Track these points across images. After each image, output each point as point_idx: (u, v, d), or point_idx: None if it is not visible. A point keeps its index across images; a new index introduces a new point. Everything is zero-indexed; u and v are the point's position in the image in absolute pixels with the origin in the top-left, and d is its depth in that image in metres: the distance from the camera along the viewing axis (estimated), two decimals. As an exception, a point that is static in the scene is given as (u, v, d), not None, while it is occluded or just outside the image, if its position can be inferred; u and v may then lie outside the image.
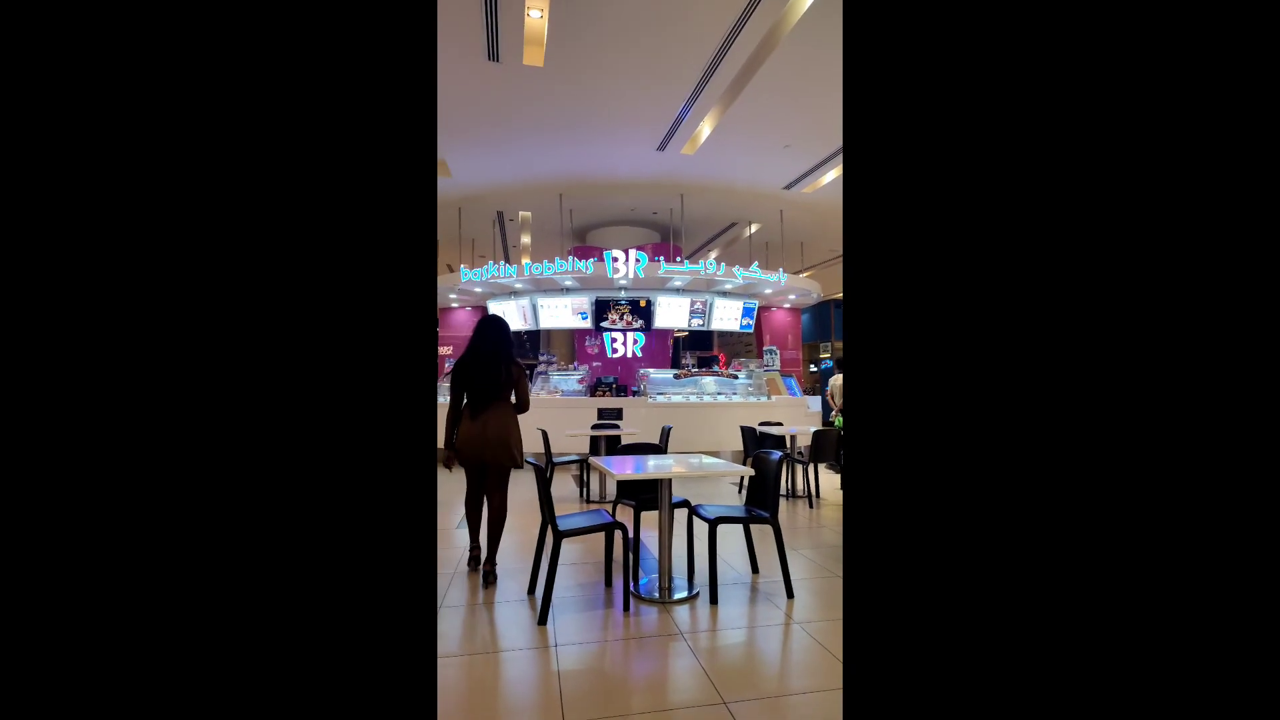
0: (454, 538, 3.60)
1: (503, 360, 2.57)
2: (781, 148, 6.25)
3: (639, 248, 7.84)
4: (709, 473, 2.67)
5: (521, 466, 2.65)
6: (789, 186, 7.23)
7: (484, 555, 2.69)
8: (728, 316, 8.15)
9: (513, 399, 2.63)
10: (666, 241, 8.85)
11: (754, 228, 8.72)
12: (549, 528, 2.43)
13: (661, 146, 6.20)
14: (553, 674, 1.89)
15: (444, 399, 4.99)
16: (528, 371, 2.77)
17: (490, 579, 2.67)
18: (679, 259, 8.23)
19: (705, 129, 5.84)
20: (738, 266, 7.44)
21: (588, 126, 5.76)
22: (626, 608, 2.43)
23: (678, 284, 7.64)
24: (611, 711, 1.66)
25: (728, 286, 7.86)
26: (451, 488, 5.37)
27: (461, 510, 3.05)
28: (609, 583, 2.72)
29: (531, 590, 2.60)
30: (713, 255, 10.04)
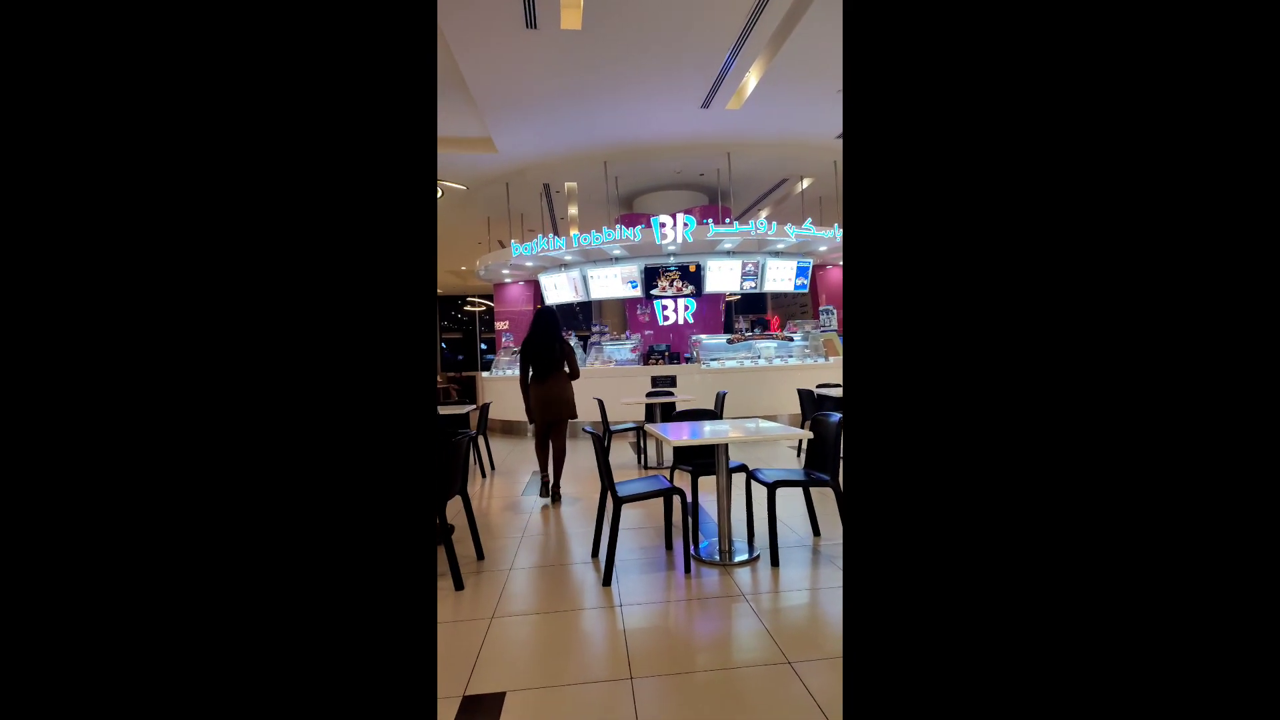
0: (520, 504, 3.77)
1: (555, 341, 3.60)
2: (834, 93, 5.89)
3: (686, 211, 7.67)
4: (766, 437, 2.64)
5: (576, 418, 3.76)
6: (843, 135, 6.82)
7: (552, 481, 3.80)
8: (781, 277, 7.91)
9: (565, 369, 3.64)
10: (715, 203, 8.63)
11: (806, 182, 8.33)
12: (609, 494, 2.49)
13: (706, 104, 5.98)
14: (619, 631, 1.96)
15: (515, 371, 6.32)
16: (580, 342, 4.38)
17: (557, 497, 3.73)
18: (728, 220, 8.02)
19: (751, 80, 5.57)
20: (790, 225, 7.16)
21: (629, 88, 5.62)
22: (687, 570, 2.48)
23: (728, 246, 7.46)
24: (677, 668, 1.72)
25: (780, 246, 7.61)
26: (515, 457, 5.60)
27: (526, 479, 4.17)
28: (669, 546, 2.77)
29: (595, 553, 2.69)
30: (763, 214, 9.71)
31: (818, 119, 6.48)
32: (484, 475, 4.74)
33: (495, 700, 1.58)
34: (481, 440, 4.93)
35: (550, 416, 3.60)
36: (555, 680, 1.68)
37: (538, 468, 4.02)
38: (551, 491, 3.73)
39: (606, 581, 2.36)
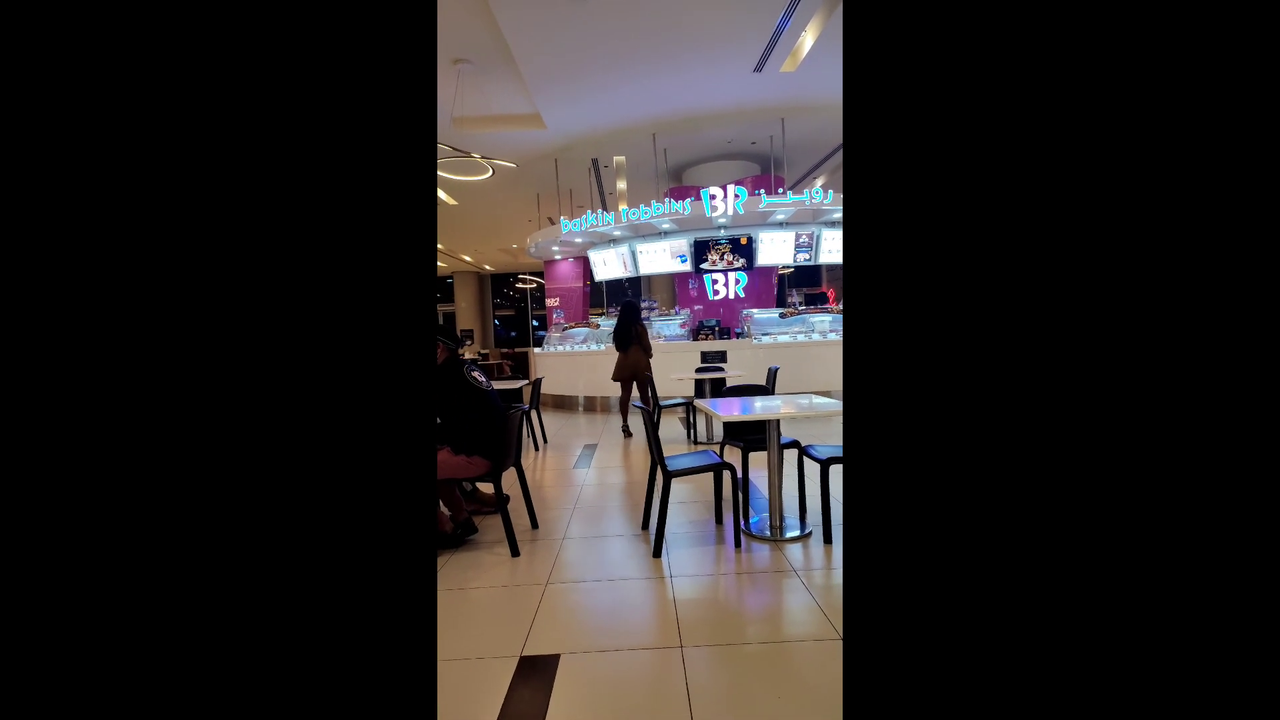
0: (573, 476, 3.86)
1: (633, 324, 5.14)
2: (897, 49, 5.50)
3: (737, 182, 7.46)
4: (819, 413, 2.58)
5: (651, 380, 5.23)
6: (907, 94, 6.39)
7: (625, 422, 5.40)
8: (837, 249, 7.60)
9: (639, 344, 5.13)
10: (767, 173, 8.33)
11: (865, 147, 7.89)
12: (658, 468, 2.51)
13: (759, 67, 5.73)
14: (669, 601, 1.99)
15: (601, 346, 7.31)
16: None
17: (628, 433, 5.26)
18: (781, 190, 7.74)
19: (808, 40, 5.28)
20: (847, 193, 6.84)
21: (678, 55, 5.46)
22: (738, 544, 2.48)
23: (780, 217, 7.21)
24: (727, 639, 1.73)
25: (836, 216, 7.29)
26: (567, 431, 5.72)
27: (578, 452, 4.65)
28: (719, 520, 2.78)
29: (645, 525, 2.73)
30: (819, 183, 9.31)
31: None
32: (537, 448, 4.88)
33: (550, 661, 1.65)
34: (534, 414, 5.07)
35: (623, 375, 5.16)
36: (608, 645, 1.73)
37: (588, 442, 4.92)
38: (625, 429, 5.37)
39: (657, 553, 2.40)
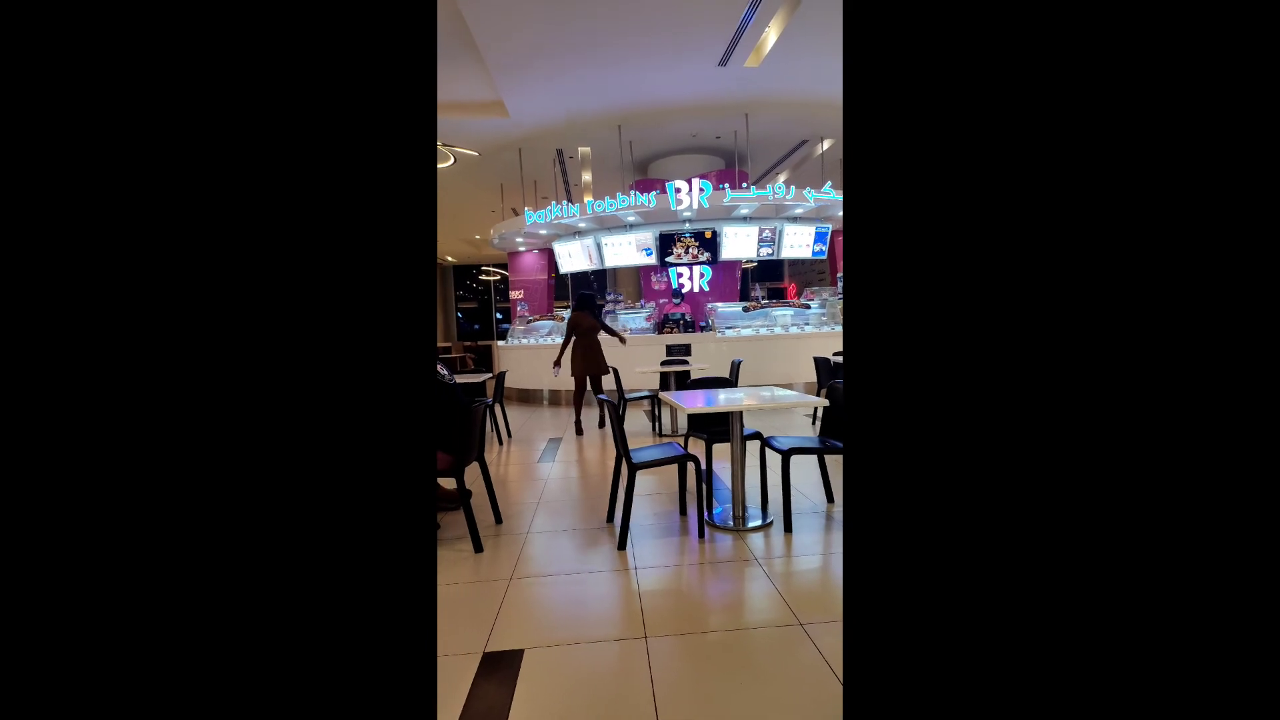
0: (537, 470, 3.83)
1: (587, 309, 5.06)
2: (858, 49, 5.62)
3: (703, 176, 7.49)
4: (781, 404, 2.63)
5: (616, 374, 5.12)
6: (866, 93, 6.53)
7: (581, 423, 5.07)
8: (799, 244, 7.74)
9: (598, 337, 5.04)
10: (731, 168, 8.41)
11: (826, 144, 8.05)
12: (623, 460, 2.51)
13: (723, 61, 5.76)
14: (633, 593, 2.00)
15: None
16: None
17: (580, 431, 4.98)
18: (745, 185, 7.82)
19: (771, 35, 5.34)
20: (809, 189, 6.96)
21: (643, 44, 5.43)
22: (701, 535, 2.51)
23: (744, 212, 7.29)
24: (690, 628, 1.75)
25: (798, 211, 7.42)
26: (531, 425, 5.66)
27: (542, 446, 4.61)
28: (684, 512, 2.81)
29: (610, 518, 2.74)
30: (781, 178, 9.45)
31: (840, 75, 6.22)
32: (500, 442, 4.81)
33: (514, 657, 1.64)
34: (498, 408, 5.00)
35: (579, 371, 5.09)
36: (572, 638, 1.73)
37: (553, 436, 4.91)
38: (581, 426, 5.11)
39: (622, 545, 2.41)
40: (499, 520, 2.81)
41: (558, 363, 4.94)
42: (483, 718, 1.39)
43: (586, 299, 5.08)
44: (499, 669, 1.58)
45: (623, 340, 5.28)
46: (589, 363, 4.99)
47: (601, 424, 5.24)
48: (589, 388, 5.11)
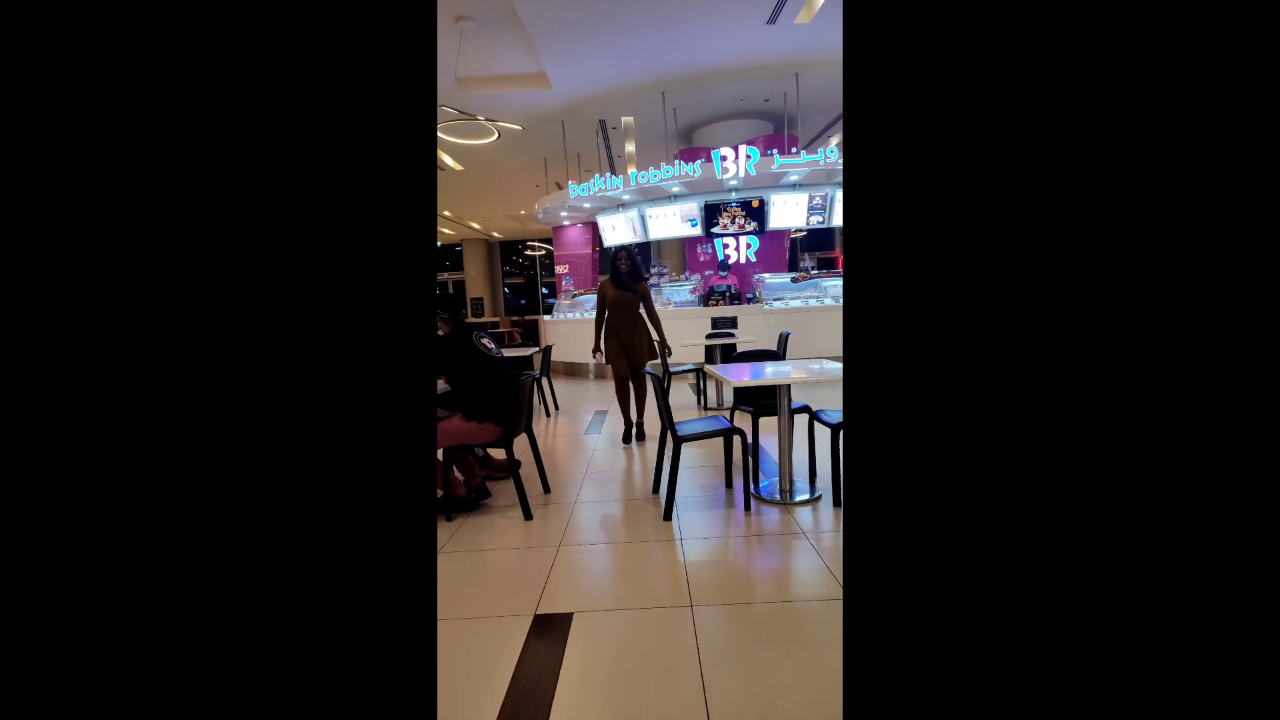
0: (584, 442, 3.90)
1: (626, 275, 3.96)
2: (919, -3, 5.22)
3: (749, 142, 7.24)
4: (830, 378, 2.56)
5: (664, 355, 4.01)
6: (928, 46, 6.10)
7: (635, 420, 3.95)
8: (851, 210, 7.42)
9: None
10: (780, 132, 8.07)
11: (883, 103, 7.60)
12: (669, 433, 2.52)
13: (772, 19, 5.48)
14: (679, 563, 2.03)
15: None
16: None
17: (641, 436, 3.88)
18: (794, 150, 7.50)
19: (823, -12, 5.03)
20: (863, 152, 6.62)
21: (689, 6, 5.23)
22: (747, 508, 2.51)
23: (794, 179, 7.02)
24: (737, 598, 1.76)
25: (851, 176, 7.08)
26: (577, 398, 5.75)
27: (589, 419, 4.43)
28: (729, 484, 2.80)
29: (655, 490, 2.77)
30: (834, 142, 9.01)
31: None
32: (548, 415, 4.92)
33: (564, 620, 1.69)
34: (545, 381, 5.10)
35: (619, 361, 4.29)
36: (619, 604, 1.77)
37: (599, 408, 4.55)
38: (634, 431, 4.06)
39: (667, 516, 2.43)
40: (547, 490, 2.89)
41: (597, 348, 3.83)
42: (536, 674, 1.45)
43: (612, 261, 3.87)
44: (550, 630, 1.64)
45: (658, 331, 3.87)
46: (623, 343, 3.73)
47: (635, 439, 3.87)
48: (629, 379, 3.83)
